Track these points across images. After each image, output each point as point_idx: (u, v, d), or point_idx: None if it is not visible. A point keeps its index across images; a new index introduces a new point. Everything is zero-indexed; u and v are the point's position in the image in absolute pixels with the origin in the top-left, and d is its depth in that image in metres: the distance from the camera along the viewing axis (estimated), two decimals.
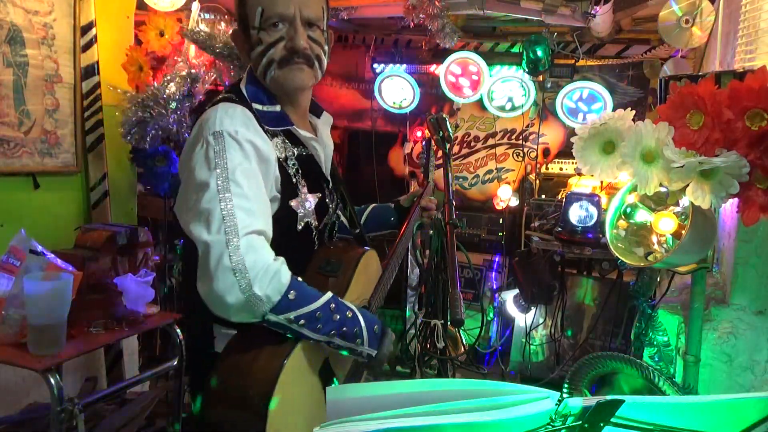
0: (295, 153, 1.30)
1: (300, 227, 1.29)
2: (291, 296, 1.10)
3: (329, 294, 1.18)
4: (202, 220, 1.11)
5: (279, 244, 1.18)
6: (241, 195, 1.12)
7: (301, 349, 1.16)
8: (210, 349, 1.25)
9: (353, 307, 1.22)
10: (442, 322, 1.38)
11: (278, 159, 1.25)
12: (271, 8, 1.22)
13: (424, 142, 1.65)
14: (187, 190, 1.18)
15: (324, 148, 1.41)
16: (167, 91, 2.41)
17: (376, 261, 1.47)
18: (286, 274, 1.12)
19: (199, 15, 2.85)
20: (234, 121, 1.17)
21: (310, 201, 1.31)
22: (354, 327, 1.19)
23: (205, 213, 1.11)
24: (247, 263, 1.06)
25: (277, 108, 1.29)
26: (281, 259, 1.14)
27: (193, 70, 2.51)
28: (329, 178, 1.42)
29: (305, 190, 1.30)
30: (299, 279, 1.16)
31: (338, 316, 1.17)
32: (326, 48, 1.32)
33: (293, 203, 1.27)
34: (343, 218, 1.52)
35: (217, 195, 1.11)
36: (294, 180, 1.28)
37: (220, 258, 1.06)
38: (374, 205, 1.77)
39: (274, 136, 1.26)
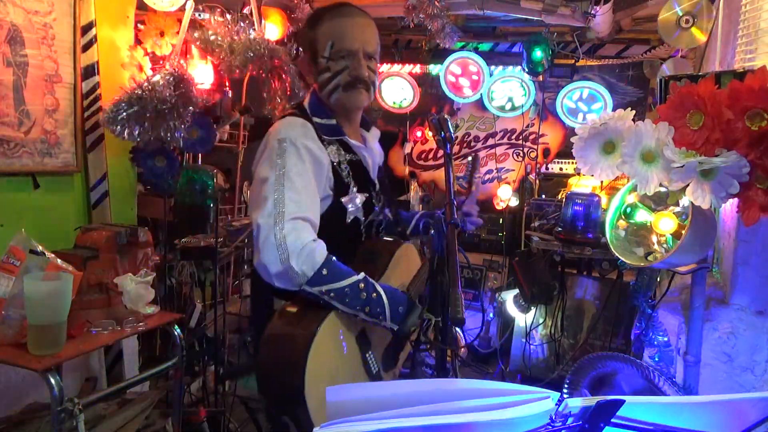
0: (347, 158, 1.56)
1: (349, 220, 1.55)
2: (324, 272, 1.33)
3: (361, 275, 1.39)
4: (259, 207, 1.38)
5: (330, 234, 1.44)
6: (292, 188, 1.38)
7: (335, 318, 1.37)
8: (269, 318, 1.42)
9: (380, 290, 1.40)
10: (439, 319, 1.39)
11: (333, 163, 1.51)
12: (340, 43, 1.51)
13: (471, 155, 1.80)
14: (254, 185, 1.46)
15: (371, 157, 1.66)
16: (155, 87, 2.40)
17: (414, 253, 1.67)
18: (321, 254, 1.35)
19: (197, 14, 2.84)
20: (295, 131, 1.46)
21: (359, 199, 1.57)
22: (377, 306, 1.38)
23: (262, 201, 1.38)
24: (288, 241, 1.32)
25: (333, 121, 1.56)
26: (320, 241, 1.38)
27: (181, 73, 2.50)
28: (376, 182, 1.67)
29: (355, 189, 1.56)
30: (334, 259, 1.37)
31: (365, 295, 1.36)
32: (377, 73, 1.61)
33: (344, 200, 1.53)
34: (390, 217, 1.75)
35: (273, 187, 1.38)
36: (346, 181, 1.54)
37: (268, 236, 1.33)
38: (422, 212, 1.94)
39: (329, 144, 1.53)
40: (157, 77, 2.43)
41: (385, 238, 1.70)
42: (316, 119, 1.53)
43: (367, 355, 1.46)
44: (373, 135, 1.73)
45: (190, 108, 2.51)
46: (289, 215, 1.34)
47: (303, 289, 1.33)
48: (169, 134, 2.46)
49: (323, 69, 1.54)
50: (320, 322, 1.32)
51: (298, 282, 1.32)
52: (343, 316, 1.38)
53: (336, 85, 1.53)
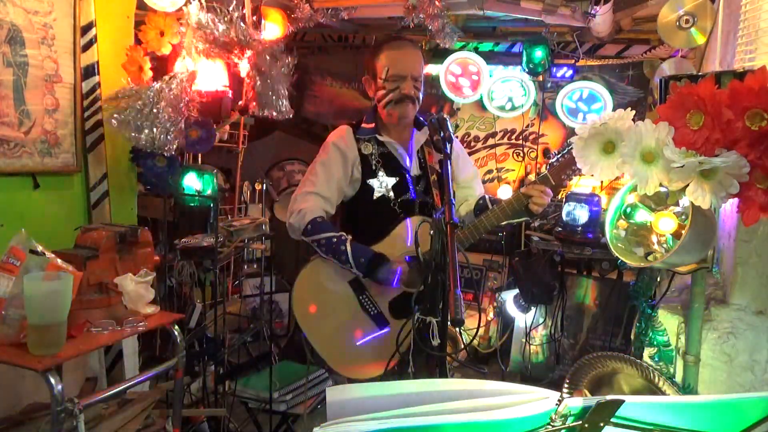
0: (379, 151, 2.08)
1: (375, 197, 2.04)
2: (309, 227, 1.96)
3: (339, 234, 1.94)
4: None
5: (362, 208, 2.07)
6: (314, 173, 2.05)
7: (321, 262, 2.00)
8: None
9: (349, 245, 1.92)
10: (438, 319, 1.39)
11: (364, 154, 2.06)
12: (393, 70, 2.01)
13: (567, 145, 1.90)
14: None
15: (408, 149, 2.12)
16: (150, 92, 2.40)
17: (418, 223, 1.93)
18: (311, 215, 1.97)
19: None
20: (334, 135, 2.10)
21: (388, 181, 2.05)
22: (342, 255, 1.91)
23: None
24: (293, 207, 2.02)
25: (372, 125, 2.10)
26: (317, 209, 1.99)
27: (182, 74, 2.50)
28: (411, 168, 2.10)
29: (382, 174, 2.05)
30: (319, 220, 1.97)
31: (335, 246, 1.92)
32: (422, 89, 2.09)
33: (371, 182, 2.05)
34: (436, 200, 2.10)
35: (306, 174, 2.09)
36: (374, 168, 2.06)
37: (290, 203, 2.05)
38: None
39: (365, 141, 2.08)
40: (157, 85, 2.43)
41: (401, 216, 2.06)
42: (363, 124, 2.10)
43: (362, 297, 1.97)
44: (422, 133, 2.15)
45: (189, 115, 2.53)
46: (304, 191, 2.03)
47: (302, 238, 1.98)
48: (161, 138, 2.47)
49: (380, 87, 2.04)
50: (307, 263, 2.01)
51: (296, 232, 1.99)
52: (331, 263, 1.96)
53: (389, 100, 2.02)
